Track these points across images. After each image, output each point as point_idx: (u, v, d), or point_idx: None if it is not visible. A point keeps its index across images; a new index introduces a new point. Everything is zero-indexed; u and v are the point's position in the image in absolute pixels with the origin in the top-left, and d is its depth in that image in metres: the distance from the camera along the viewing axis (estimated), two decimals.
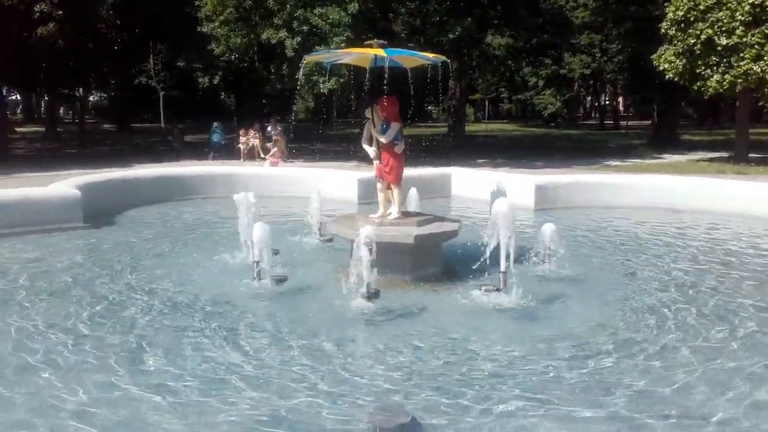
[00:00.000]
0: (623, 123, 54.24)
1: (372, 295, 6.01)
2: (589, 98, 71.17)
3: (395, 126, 7.11)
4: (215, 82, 28.17)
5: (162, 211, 11.22)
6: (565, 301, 6.26)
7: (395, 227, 7.00)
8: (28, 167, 18.93)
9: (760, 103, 29.90)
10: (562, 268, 7.20)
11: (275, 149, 22.38)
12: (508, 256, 6.11)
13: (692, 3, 20.39)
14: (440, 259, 7.33)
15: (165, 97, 34.27)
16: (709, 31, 19.98)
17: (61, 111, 61.57)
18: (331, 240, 8.61)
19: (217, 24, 22.32)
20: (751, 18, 19.42)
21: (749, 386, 4.42)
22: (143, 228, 9.85)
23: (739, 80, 19.87)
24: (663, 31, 21.99)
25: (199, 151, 24.93)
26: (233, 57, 22.72)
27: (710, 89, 20.65)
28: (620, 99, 60.80)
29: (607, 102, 64.71)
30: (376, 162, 7.31)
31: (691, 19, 20.57)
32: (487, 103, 58.25)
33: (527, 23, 23.37)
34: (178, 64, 26.21)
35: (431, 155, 19.67)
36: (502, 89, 56.92)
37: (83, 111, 38.70)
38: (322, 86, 20.71)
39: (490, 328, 5.60)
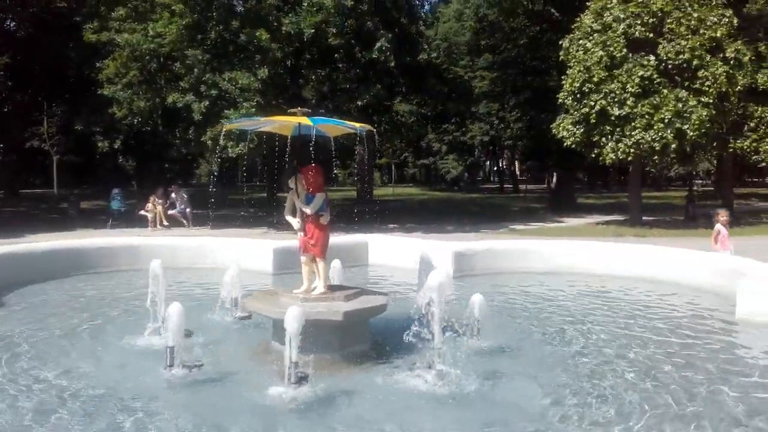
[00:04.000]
0: (522, 187, 56.55)
1: (299, 380, 5.56)
2: (488, 163, 74.03)
3: (320, 196, 6.81)
4: (116, 146, 26.94)
5: (60, 288, 10.25)
6: (505, 378, 6.00)
7: (322, 303, 6.61)
8: None
9: (648, 169, 32.00)
10: (490, 340, 7.02)
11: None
12: (441, 332, 5.85)
13: (587, 75, 21.64)
14: (368, 336, 6.97)
15: (59, 161, 32.52)
16: (603, 102, 21.22)
17: None
18: (248, 317, 8.08)
19: (119, 87, 21.53)
20: (640, 90, 20.80)
21: None
22: (37, 308, 8.89)
23: (631, 149, 21.10)
24: (560, 101, 23.15)
25: (97, 218, 23.62)
26: (136, 121, 21.88)
27: (607, 158, 21.78)
28: (517, 164, 63.56)
29: (505, 166, 67.53)
30: (300, 234, 6.96)
31: (586, 90, 21.79)
32: (393, 167, 59.31)
33: (434, 92, 24.02)
34: (76, 127, 24.97)
35: (342, 221, 19.46)
36: (407, 154, 58.18)
37: None
38: (231, 151, 20.26)
39: (430, 417, 5.23)
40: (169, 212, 22.96)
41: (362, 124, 7.12)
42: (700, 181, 60.25)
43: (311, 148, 6.87)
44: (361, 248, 12.93)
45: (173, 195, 23.54)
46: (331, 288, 7.05)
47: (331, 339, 6.51)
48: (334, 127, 7.45)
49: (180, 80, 20.76)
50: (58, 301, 9.42)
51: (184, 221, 22.87)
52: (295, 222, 6.96)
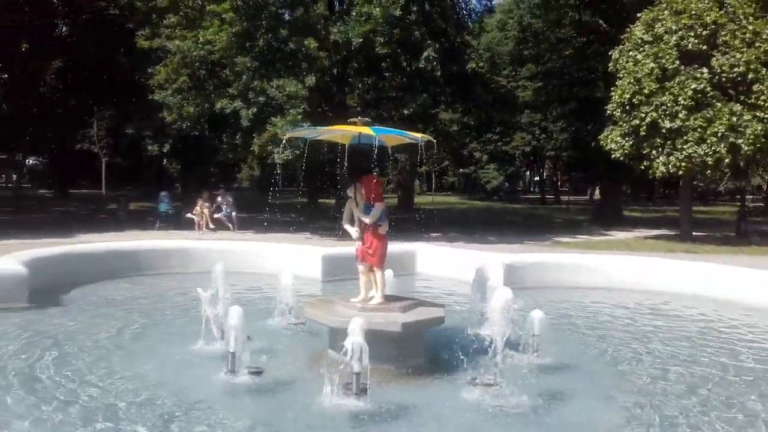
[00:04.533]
0: (564, 198, 55.86)
1: (360, 392, 5.51)
2: (528, 173, 73.43)
3: (380, 206, 6.80)
4: (164, 150, 27.45)
5: (114, 289, 10.42)
6: (567, 398, 5.86)
7: (379, 313, 6.58)
8: None
9: (696, 183, 31.27)
10: (550, 356, 6.88)
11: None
12: (502, 349, 5.76)
13: (637, 87, 21.25)
14: (424, 348, 6.90)
15: (107, 163, 33.26)
16: (654, 114, 20.78)
17: None
18: (303, 323, 8.09)
19: (169, 92, 21.92)
20: (693, 102, 20.32)
21: None
22: (93, 310, 9.04)
23: (683, 163, 20.62)
24: (609, 112, 22.76)
25: (144, 219, 24.03)
26: (185, 126, 22.24)
27: (657, 171, 21.31)
28: (558, 174, 62.82)
29: (546, 177, 66.83)
30: (358, 243, 6.94)
31: (636, 102, 21.39)
32: (433, 175, 59.20)
33: (480, 101, 23.90)
34: (127, 131, 25.53)
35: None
36: (447, 162, 57.98)
37: (21, 176, 37.13)
38: (277, 157, 20.41)
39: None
40: (215, 216, 23.22)
41: (422, 135, 7.09)
42: (751, 197, 58.69)
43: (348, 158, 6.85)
44: (409, 257, 12.88)
45: (219, 199, 23.82)
46: (388, 298, 7.00)
47: (388, 350, 6.45)
48: (393, 137, 7.42)
49: (228, 87, 21.03)
50: (116, 301, 9.59)
51: (230, 225, 23.10)
52: (353, 231, 6.95)
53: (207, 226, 22.76)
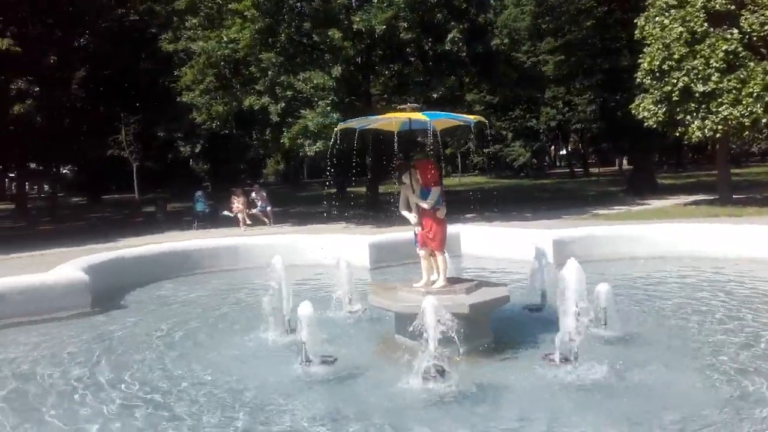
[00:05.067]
0: (594, 170, 55.28)
1: (438, 375, 5.56)
2: (552, 148, 72.68)
3: (436, 190, 6.83)
4: (197, 150, 27.77)
5: (171, 289, 10.62)
6: (641, 367, 5.86)
7: (445, 296, 6.61)
8: (10, 248, 18.11)
9: (730, 145, 30.73)
10: (617, 329, 6.87)
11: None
12: (578, 323, 5.76)
13: (666, 53, 20.89)
14: (490, 328, 6.94)
15: (139, 167, 33.73)
16: (686, 79, 20.42)
17: (26, 185, 60.14)
18: (363, 311, 8.19)
19: (197, 93, 22.10)
20: (725, 64, 19.93)
21: None
22: (158, 309, 9.24)
23: (719, 126, 20.27)
24: (639, 80, 22.41)
25: (180, 220, 24.32)
26: (214, 125, 22.43)
27: (693, 136, 20.99)
28: (583, 147, 62.12)
29: (572, 151, 66.12)
30: (417, 229, 6.98)
31: (666, 68, 21.04)
32: (459, 156, 58.96)
33: (505, 79, 23.70)
34: (159, 134, 25.84)
35: None
36: (471, 143, 57.65)
37: (55, 186, 37.80)
38: (308, 149, 20.50)
39: (584, 407, 5.12)
40: (250, 211, 23.41)
41: (475, 116, 7.09)
42: None
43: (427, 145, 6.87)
44: (453, 239, 12.80)
45: (253, 194, 23.99)
46: (450, 281, 7.04)
47: (456, 332, 6.49)
48: (445, 120, 7.41)
49: (255, 83, 21.13)
50: (175, 301, 9.75)
51: (266, 219, 23.25)
52: (411, 217, 6.99)
53: (244, 222, 22.99)
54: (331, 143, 7.31)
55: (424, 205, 6.77)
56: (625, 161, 58.96)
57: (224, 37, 20.89)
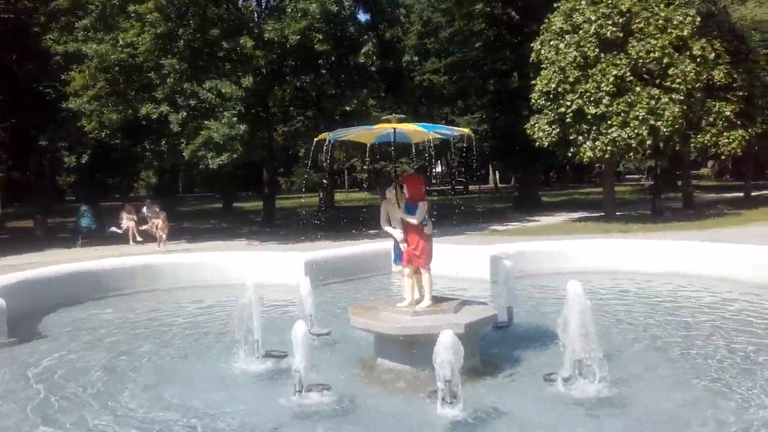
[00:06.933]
0: (473, 188, 57.30)
1: (453, 400, 5.28)
2: (439, 164, 74.58)
3: (423, 205, 6.56)
4: (83, 162, 25.49)
5: (94, 312, 9.53)
6: (639, 381, 5.91)
7: (436, 316, 6.36)
8: None
9: (598, 165, 32.77)
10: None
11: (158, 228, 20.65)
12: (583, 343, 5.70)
13: (562, 76, 21.99)
14: (478, 348, 6.75)
15: (3, 179, 30.70)
16: (579, 101, 21.58)
17: None
18: (327, 334, 7.75)
19: (85, 99, 20.44)
20: (615, 88, 21.27)
21: None
22: (88, 336, 8.22)
23: (609, 147, 21.56)
24: (533, 101, 23.40)
25: (54, 237, 22.32)
26: (104, 134, 20.82)
27: (585, 156, 22.15)
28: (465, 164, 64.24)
29: (453, 168, 68.13)
30: (403, 245, 6.68)
31: (561, 90, 22.13)
32: (345, 173, 59.02)
33: (407, 95, 23.95)
34: (40, 143, 23.50)
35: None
36: (356, 159, 57.93)
37: None
38: (211, 162, 19.54)
39: (595, 426, 5.07)
40: (142, 227, 21.95)
41: (467, 129, 6.95)
42: (642, 176, 62.54)
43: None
44: (384, 257, 12.59)
45: (145, 210, 22.52)
46: (433, 300, 6.79)
47: None
48: (419, 132, 7.17)
49: (153, 90, 19.90)
50: (106, 326, 8.76)
51: (159, 236, 21.85)
52: (397, 233, 6.70)
53: (134, 239, 21.49)
54: (311, 151, 6.79)
55: (413, 221, 6.49)
56: (498, 179, 61.86)
57: (120, 40, 19.53)
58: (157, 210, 22.80)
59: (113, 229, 21.96)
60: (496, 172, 62.76)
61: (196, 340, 7.95)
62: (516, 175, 43.53)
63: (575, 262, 11.77)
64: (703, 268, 10.80)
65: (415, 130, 6.92)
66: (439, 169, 76.23)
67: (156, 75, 19.46)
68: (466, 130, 6.94)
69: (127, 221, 21.70)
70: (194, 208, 47.45)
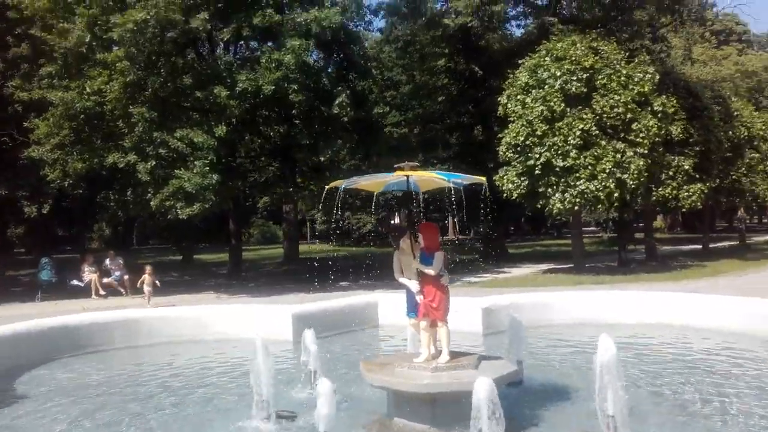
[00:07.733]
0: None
1: None
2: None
3: (439, 255, 6.36)
4: (44, 211, 24.53)
5: (75, 370, 8.89)
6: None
7: (459, 372, 6.08)
8: None
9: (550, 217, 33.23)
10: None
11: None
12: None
13: (530, 129, 22.37)
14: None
15: None
16: (547, 154, 21.93)
17: None
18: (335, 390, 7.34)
19: (48, 148, 19.82)
20: (581, 141, 21.72)
21: None
22: (73, 396, 7.60)
23: (577, 199, 21.88)
24: (501, 153, 23.68)
25: (13, 290, 21.28)
26: (66, 183, 20.16)
27: (554, 208, 22.38)
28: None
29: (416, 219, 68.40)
30: (419, 297, 6.42)
31: (529, 143, 22.48)
32: (308, 223, 58.64)
33: (380, 146, 24.02)
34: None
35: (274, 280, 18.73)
36: (317, 210, 57.63)
37: None
38: (180, 212, 19.02)
39: None
40: (104, 280, 21.10)
41: (480, 177, 6.83)
42: (600, 228, 63.80)
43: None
44: (371, 309, 12.33)
45: (107, 262, 21.71)
46: (452, 355, 6.51)
47: (468, 411, 5.97)
48: (430, 181, 7.03)
49: (120, 139, 19.44)
50: (102, 383, 8.16)
51: (122, 289, 21.02)
52: (413, 285, 6.45)
53: (97, 293, 20.61)
54: (321, 199, 6.56)
55: (430, 272, 6.26)
56: (458, 229, 62.10)
57: (87, 88, 19.11)
58: (121, 263, 22.02)
59: (75, 282, 21.08)
60: (456, 222, 63.16)
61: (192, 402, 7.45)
62: (477, 227, 43.75)
63: (566, 314, 11.67)
64: (722, 321, 10.65)
65: (430, 178, 6.79)
66: (397, 220, 76.68)
67: (124, 123, 19.06)
68: (482, 178, 6.82)
69: (89, 274, 20.87)
70: (152, 260, 46.16)
